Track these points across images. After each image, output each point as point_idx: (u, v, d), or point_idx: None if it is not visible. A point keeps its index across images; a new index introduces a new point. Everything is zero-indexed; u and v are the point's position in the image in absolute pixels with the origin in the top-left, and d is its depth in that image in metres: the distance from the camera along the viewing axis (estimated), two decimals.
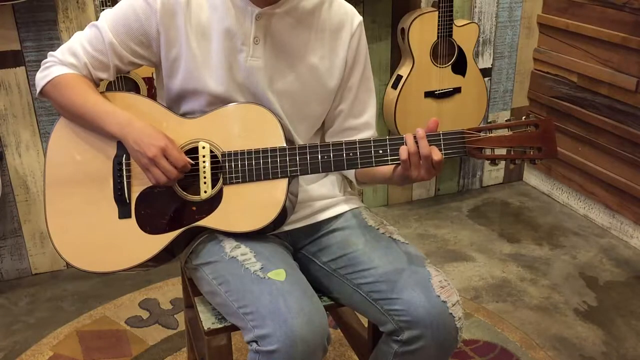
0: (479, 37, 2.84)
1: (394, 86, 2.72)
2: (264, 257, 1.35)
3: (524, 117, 1.27)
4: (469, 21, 2.72)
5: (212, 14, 1.38)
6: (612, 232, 2.81)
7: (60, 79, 1.39)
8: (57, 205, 1.41)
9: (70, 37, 1.45)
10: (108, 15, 1.40)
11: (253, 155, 1.35)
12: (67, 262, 1.40)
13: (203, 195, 1.37)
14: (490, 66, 3.03)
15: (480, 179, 3.24)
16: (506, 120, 1.26)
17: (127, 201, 1.39)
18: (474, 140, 1.25)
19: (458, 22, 2.68)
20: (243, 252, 1.35)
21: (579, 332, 2.20)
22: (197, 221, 1.37)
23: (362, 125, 1.51)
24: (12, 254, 2.48)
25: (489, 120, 3.10)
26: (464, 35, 2.68)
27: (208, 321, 1.43)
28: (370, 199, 3.04)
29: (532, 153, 1.26)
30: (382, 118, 2.84)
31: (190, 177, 1.37)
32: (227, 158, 1.36)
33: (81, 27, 2.24)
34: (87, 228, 1.40)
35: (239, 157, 1.35)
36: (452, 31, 2.64)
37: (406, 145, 1.26)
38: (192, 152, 1.37)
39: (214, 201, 1.36)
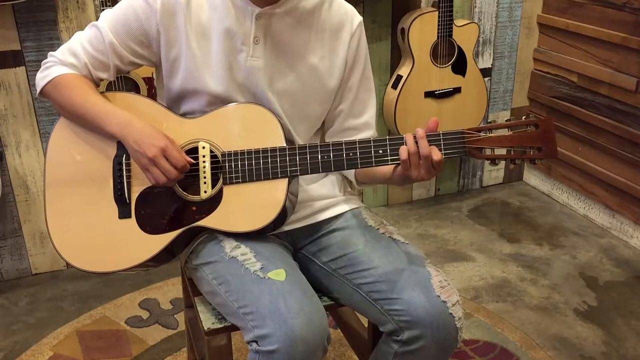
0: (479, 37, 2.84)
1: (394, 86, 2.72)
2: (264, 257, 1.34)
3: (524, 117, 1.27)
4: (469, 21, 2.72)
5: (212, 14, 1.37)
6: (612, 232, 2.81)
7: (60, 79, 1.39)
8: (57, 205, 1.41)
9: (70, 37, 1.45)
10: (108, 15, 1.40)
11: (253, 155, 1.35)
12: (67, 262, 1.40)
13: (203, 195, 1.36)
14: (490, 66, 3.03)
15: (480, 179, 3.24)
16: (506, 120, 1.26)
17: (127, 201, 1.39)
18: (474, 140, 1.25)
19: (458, 22, 2.68)
20: (243, 252, 1.35)
21: (579, 332, 2.20)
22: (197, 221, 1.37)
23: (362, 125, 1.51)
24: (12, 254, 2.48)
25: (489, 120, 3.09)
26: (464, 35, 2.68)
27: (208, 321, 1.43)
28: (370, 199, 3.04)
29: (532, 153, 1.26)
30: (382, 118, 2.84)
31: (190, 177, 1.37)
32: (227, 158, 1.36)
33: (81, 27, 2.24)
34: (87, 228, 1.40)
35: (239, 157, 1.35)
36: (452, 31, 2.64)
37: (406, 145, 1.26)
38: (192, 152, 1.37)
39: (214, 201, 1.36)
